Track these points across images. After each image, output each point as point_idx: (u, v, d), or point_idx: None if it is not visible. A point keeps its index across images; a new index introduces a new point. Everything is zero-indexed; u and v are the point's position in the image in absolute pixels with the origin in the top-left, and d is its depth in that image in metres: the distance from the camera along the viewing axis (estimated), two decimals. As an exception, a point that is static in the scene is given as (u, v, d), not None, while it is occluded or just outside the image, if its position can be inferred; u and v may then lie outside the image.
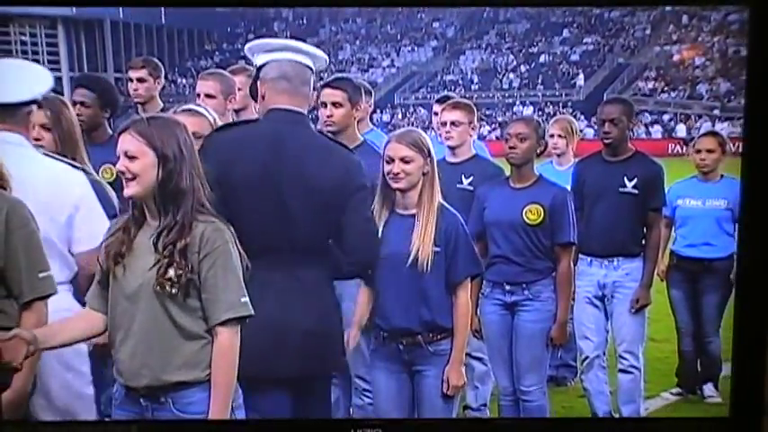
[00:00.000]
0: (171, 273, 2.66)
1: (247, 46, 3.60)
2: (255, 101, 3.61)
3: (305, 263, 3.23)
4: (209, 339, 2.73)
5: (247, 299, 2.76)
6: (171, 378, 2.71)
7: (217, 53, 41.44)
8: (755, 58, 3.33)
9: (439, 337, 3.49)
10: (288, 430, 3.38)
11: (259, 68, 3.45)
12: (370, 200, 3.43)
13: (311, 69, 3.47)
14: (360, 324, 3.60)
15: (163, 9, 42.45)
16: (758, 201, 3.44)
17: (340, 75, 4.77)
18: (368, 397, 3.70)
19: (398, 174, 3.42)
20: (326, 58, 3.61)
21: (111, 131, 4.36)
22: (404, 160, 3.41)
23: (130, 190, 2.71)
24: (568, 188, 4.53)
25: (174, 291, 2.67)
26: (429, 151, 3.46)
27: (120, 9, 41.17)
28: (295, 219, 3.20)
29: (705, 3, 10.51)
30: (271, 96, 3.39)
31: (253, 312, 2.79)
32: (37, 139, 3.66)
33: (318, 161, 3.26)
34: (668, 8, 34.60)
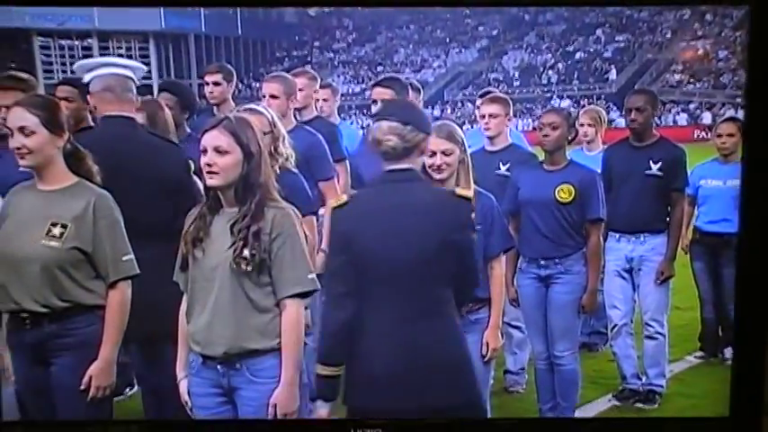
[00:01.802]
0: (245, 253, 2.68)
1: (74, 66, 3.76)
2: (92, 113, 3.78)
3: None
4: (278, 312, 2.75)
5: (314, 275, 2.77)
6: (246, 345, 2.73)
7: (286, 60, 41.57)
8: (755, 57, 3.20)
9: (477, 306, 3.49)
10: (288, 430, 3.38)
11: (87, 84, 3.61)
12: None
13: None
14: None
15: (239, 23, 42.86)
16: (758, 200, 3.33)
17: (389, 75, 4.77)
18: None
19: (441, 165, 3.39)
20: (143, 67, 3.82)
21: (188, 130, 4.39)
22: (445, 153, 3.39)
23: (214, 181, 2.73)
24: (597, 170, 4.48)
25: (248, 268, 2.69)
26: (463, 141, 3.45)
27: (203, 24, 41.63)
28: (137, 206, 3.24)
29: (705, 2, 10.21)
30: (101, 106, 3.57)
31: (318, 287, 2.80)
32: None
33: (148, 157, 3.40)
34: (687, 8, 33.99)
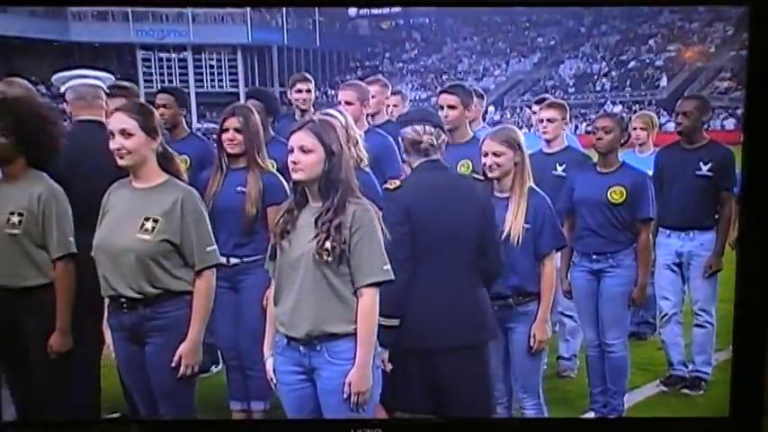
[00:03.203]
0: (327, 244, 2.70)
1: (53, 78, 3.87)
2: (70, 120, 3.85)
3: None
4: (356, 299, 2.76)
5: (389, 266, 2.78)
6: (326, 329, 2.74)
7: (359, 69, 41.75)
8: (756, 57, 3.06)
9: (527, 299, 3.45)
10: (288, 430, 3.37)
11: (63, 94, 3.75)
12: None
13: (102, 87, 3.79)
14: None
15: (318, 36, 43.20)
16: (757, 201, 3.19)
17: (455, 82, 4.74)
18: None
19: (491, 165, 3.41)
20: (111, 76, 3.97)
21: (272, 133, 4.43)
22: (495, 154, 3.39)
23: (298, 175, 2.75)
24: (648, 172, 4.38)
25: (329, 259, 2.70)
26: (519, 145, 3.41)
27: (285, 37, 42.08)
28: (94, 195, 3.24)
29: (705, 2, 9.81)
30: (75, 112, 3.71)
31: (393, 277, 2.82)
32: (231, 140, 3.78)
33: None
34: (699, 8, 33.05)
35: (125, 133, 2.99)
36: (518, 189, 3.42)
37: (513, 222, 3.38)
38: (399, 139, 3.37)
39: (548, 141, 4.55)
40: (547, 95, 5.71)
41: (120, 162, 3.03)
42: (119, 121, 3.00)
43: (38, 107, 3.38)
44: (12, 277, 3.25)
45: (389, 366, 3.11)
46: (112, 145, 3.00)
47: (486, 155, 3.41)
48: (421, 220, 3.12)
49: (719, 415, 3.44)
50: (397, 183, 3.27)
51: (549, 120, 4.50)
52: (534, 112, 5.04)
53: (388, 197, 3.27)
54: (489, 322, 3.26)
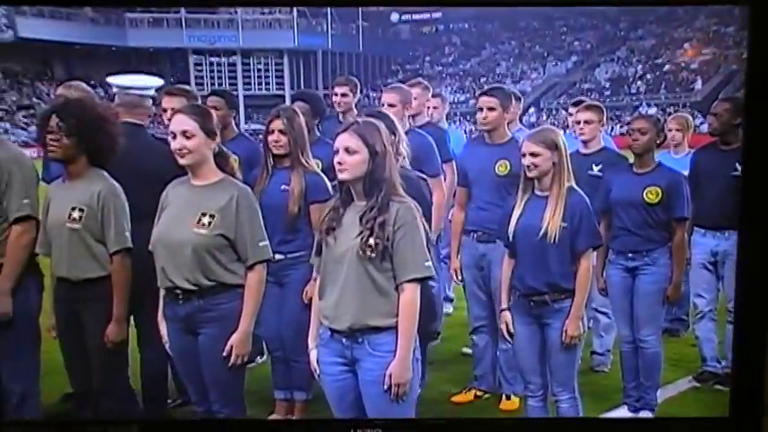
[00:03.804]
0: (371, 241, 2.69)
1: (108, 79, 4.00)
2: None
3: None
4: (397, 294, 2.75)
5: (430, 263, 2.77)
6: (368, 322, 2.74)
7: (400, 72, 41.77)
8: (755, 58, 2.96)
9: (562, 296, 3.41)
10: (289, 430, 3.36)
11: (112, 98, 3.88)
12: None
13: (148, 96, 3.90)
14: (505, 283, 3.58)
15: (361, 41, 43.28)
16: (757, 200, 3.09)
17: (494, 85, 4.72)
18: (509, 342, 3.66)
19: (529, 166, 3.38)
20: (161, 81, 4.07)
21: (318, 134, 4.44)
22: (533, 154, 3.36)
23: (343, 175, 2.75)
24: (684, 173, 4.31)
25: (372, 255, 2.70)
26: (556, 146, 3.37)
27: (329, 42, 42.26)
28: (135, 192, 3.38)
29: (705, 2, 9.56)
30: (120, 113, 3.70)
31: (434, 274, 2.81)
32: (276, 141, 3.80)
33: (148, 155, 3.58)
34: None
35: (186, 134, 3.03)
36: (556, 188, 3.38)
37: (551, 221, 3.35)
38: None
39: (584, 142, 4.49)
40: (583, 98, 5.63)
41: (182, 161, 3.07)
42: (180, 123, 3.05)
43: (97, 109, 3.43)
44: (72, 270, 3.31)
45: None
46: (174, 145, 3.05)
47: (524, 155, 3.39)
48: None
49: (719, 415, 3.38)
50: None
51: (585, 121, 4.44)
52: (570, 114, 4.98)
53: None
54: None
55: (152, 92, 3.96)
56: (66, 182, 3.36)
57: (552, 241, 3.34)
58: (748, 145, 3.10)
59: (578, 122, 4.49)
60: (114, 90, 3.91)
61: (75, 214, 3.27)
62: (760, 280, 3.12)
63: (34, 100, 36.71)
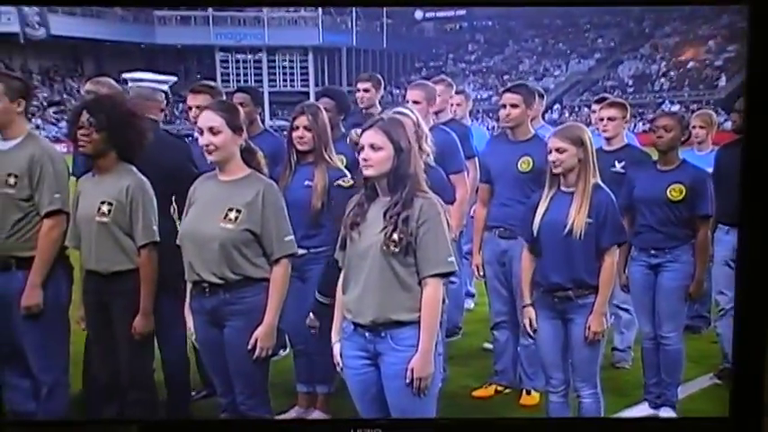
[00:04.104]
0: (395, 236, 2.70)
1: (123, 76, 4.08)
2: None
3: None
4: (420, 289, 2.75)
5: (453, 258, 2.77)
6: (391, 316, 2.74)
7: (423, 69, 41.68)
8: (755, 58, 2.93)
9: (587, 292, 3.39)
10: (289, 430, 3.36)
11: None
12: None
13: (162, 90, 3.92)
14: (526, 279, 3.56)
15: (385, 38, 43.25)
16: (757, 200, 3.05)
17: (518, 82, 4.69)
18: (532, 337, 3.64)
19: (555, 161, 3.36)
20: (173, 78, 4.10)
21: (343, 130, 4.43)
22: (558, 150, 3.34)
23: (368, 172, 2.76)
24: (708, 170, 4.25)
25: (396, 250, 2.70)
26: (582, 142, 3.35)
27: (354, 39, 42.27)
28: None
29: (705, 2, 9.42)
30: None
31: (456, 269, 2.80)
32: (300, 137, 3.81)
33: (159, 148, 3.57)
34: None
35: (213, 130, 3.04)
36: (582, 184, 3.36)
37: (576, 217, 3.33)
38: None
39: (607, 139, 4.44)
40: (606, 95, 5.58)
41: (209, 157, 3.08)
42: (207, 119, 3.06)
43: (126, 104, 3.47)
44: (101, 262, 3.34)
45: (314, 332, 3.53)
46: (201, 141, 3.07)
47: (550, 151, 3.38)
48: None
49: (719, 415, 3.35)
50: (351, 182, 3.52)
51: (609, 118, 4.39)
52: (594, 111, 4.94)
53: (339, 193, 3.49)
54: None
55: (165, 87, 3.97)
56: (96, 176, 3.39)
57: (578, 237, 3.32)
58: (749, 145, 3.08)
59: (602, 119, 4.45)
60: (129, 84, 3.94)
61: (105, 208, 3.30)
62: (760, 280, 3.09)
63: (65, 96, 37.12)
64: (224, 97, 4.03)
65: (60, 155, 3.51)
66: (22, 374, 3.56)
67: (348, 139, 3.48)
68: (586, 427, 3.65)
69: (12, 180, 3.41)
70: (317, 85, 39.63)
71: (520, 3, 7.29)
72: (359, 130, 3.22)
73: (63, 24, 36.96)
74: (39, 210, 3.44)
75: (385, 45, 43.46)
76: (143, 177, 3.40)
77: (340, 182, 3.60)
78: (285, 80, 42.03)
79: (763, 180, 3.06)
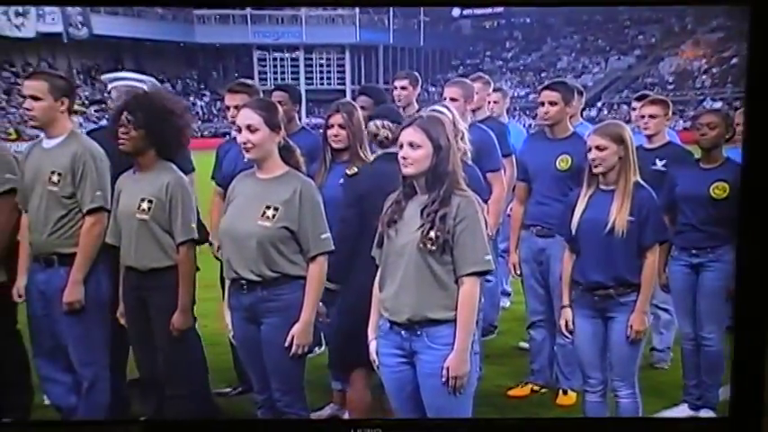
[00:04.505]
0: (432, 234, 2.69)
1: (102, 77, 4.15)
2: None
3: None
4: (457, 287, 2.73)
5: (490, 257, 2.75)
6: (427, 314, 2.73)
7: (460, 67, 41.52)
8: (755, 58, 2.89)
9: (628, 290, 3.35)
10: (289, 430, 3.34)
11: (109, 92, 3.95)
12: None
13: (142, 89, 3.80)
14: (566, 279, 3.52)
15: (422, 36, 43.17)
16: (757, 202, 2.99)
17: (557, 79, 4.65)
18: (568, 338, 3.60)
19: (595, 159, 3.32)
20: (153, 80, 4.11)
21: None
22: (598, 148, 3.30)
23: (408, 170, 2.75)
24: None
25: (433, 248, 2.69)
26: (623, 139, 3.31)
27: (391, 37, 42.27)
28: None
29: (705, 3, 9.21)
30: None
31: (494, 268, 2.78)
32: (335, 135, 3.81)
33: None
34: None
35: (251, 128, 3.06)
36: (623, 182, 3.32)
37: (618, 215, 3.29)
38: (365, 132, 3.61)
39: (648, 137, 4.38)
40: (647, 92, 5.50)
41: (247, 155, 3.10)
42: (245, 117, 3.08)
43: (165, 102, 3.49)
44: (140, 259, 3.38)
45: (327, 320, 3.47)
46: (239, 139, 3.09)
47: (590, 149, 3.34)
48: (371, 203, 3.17)
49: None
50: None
51: (650, 116, 4.33)
52: (634, 109, 4.87)
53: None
54: None
55: (144, 86, 3.96)
56: (137, 174, 3.43)
57: (619, 235, 3.28)
58: (749, 145, 3.04)
59: (643, 117, 4.39)
60: (109, 86, 3.99)
61: (145, 205, 3.34)
62: (760, 280, 3.06)
63: (105, 95, 37.69)
64: (261, 96, 4.04)
65: (102, 152, 3.55)
66: (64, 369, 3.62)
67: (367, 131, 3.59)
68: (586, 427, 3.66)
69: (55, 177, 3.46)
70: (353, 83, 39.75)
71: (524, 3, 7.20)
72: (378, 122, 3.48)
73: (105, 24, 37.62)
74: (81, 207, 3.49)
75: (422, 43, 43.39)
76: (182, 175, 3.44)
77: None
78: (322, 78, 42.23)
79: (764, 180, 3.00)
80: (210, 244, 3.92)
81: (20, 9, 34.19)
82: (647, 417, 3.80)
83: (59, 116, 3.52)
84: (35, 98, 3.46)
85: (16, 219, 3.66)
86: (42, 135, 3.58)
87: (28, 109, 3.49)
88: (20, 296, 3.61)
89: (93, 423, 3.67)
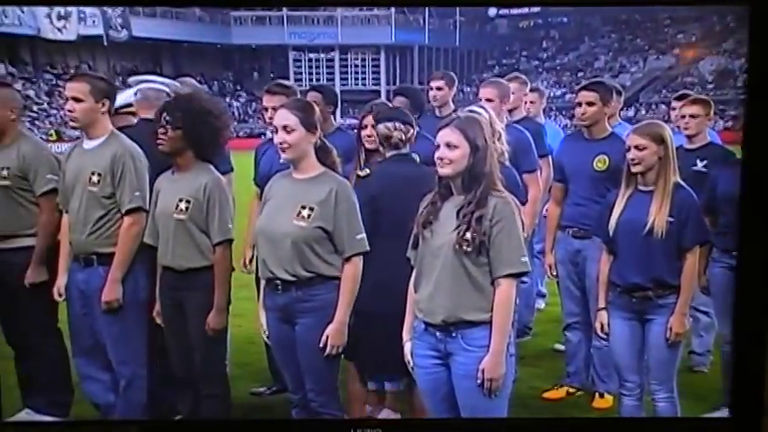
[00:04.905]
0: (468, 235, 2.67)
1: (129, 80, 4.17)
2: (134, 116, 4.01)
3: None
4: (493, 289, 2.71)
5: (527, 258, 2.73)
6: (462, 316, 2.72)
7: (496, 67, 41.32)
8: (755, 58, 2.82)
9: (666, 292, 3.30)
10: (289, 430, 3.32)
11: (135, 94, 3.98)
12: None
13: (166, 92, 3.93)
14: (603, 281, 3.48)
15: (458, 36, 43.05)
16: (758, 202, 2.92)
17: (594, 79, 4.60)
18: (605, 340, 3.55)
19: (634, 159, 3.28)
20: (176, 84, 4.10)
21: (417, 128, 4.38)
22: (638, 148, 3.26)
23: (445, 170, 2.74)
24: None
25: (468, 249, 2.67)
26: (663, 139, 3.26)
27: (426, 37, 42.23)
28: None
29: (705, 3, 9.00)
30: (140, 111, 3.94)
31: (530, 269, 2.76)
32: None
33: None
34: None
35: (287, 129, 3.08)
36: (662, 183, 3.28)
37: (657, 215, 3.24)
38: (376, 134, 3.61)
39: (689, 137, 4.31)
40: (687, 92, 5.41)
41: (283, 156, 3.12)
42: (282, 118, 3.10)
43: (202, 103, 3.52)
44: (177, 259, 3.40)
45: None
46: (276, 139, 3.11)
47: (629, 149, 3.30)
48: (384, 203, 3.34)
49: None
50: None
51: (691, 115, 4.26)
52: (674, 109, 4.79)
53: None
54: None
55: (167, 89, 4.01)
56: (175, 174, 3.47)
57: (658, 236, 3.23)
58: (749, 145, 2.99)
59: (683, 117, 4.32)
60: (135, 88, 4.01)
61: (182, 205, 3.37)
62: (760, 280, 3.02)
63: (133, 97, 38.21)
64: (298, 96, 4.05)
65: (141, 153, 3.59)
66: (103, 368, 3.66)
67: (377, 134, 3.60)
68: (586, 426, 3.68)
69: (95, 178, 3.50)
70: (388, 83, 39.79)
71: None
72: (389, 125, 3.51)
73: (144, 26, 38.22)
74: (120, 207, 3.53)
75: (457, 43, 43.29)
76: (220, 176, 3.46)
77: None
78: (357, 79, 42.34)
79: (764, 181, 2.95)
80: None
81: (62, 12, 34.88)
82: (646, 417, 3.79)
83: (100, 117, 3.56)
84: (77, 100, 3.51)
85: (57, 219, 3.72)
86: (83, 136, 3.63)
87: (70, 110, 3.54)
88: (60, 295, 3.66)
89: (94, 423, 3.79)
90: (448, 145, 2.72)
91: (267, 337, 3.29)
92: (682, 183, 3.33)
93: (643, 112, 34.81)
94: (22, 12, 33.82)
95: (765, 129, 2.94)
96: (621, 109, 5.29)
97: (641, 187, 3.34)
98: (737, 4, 2.95)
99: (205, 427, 3.64)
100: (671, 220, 3.24)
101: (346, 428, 3.19)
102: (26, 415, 3.94)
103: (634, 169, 3.30)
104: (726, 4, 7.73)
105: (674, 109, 4.82)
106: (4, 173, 3.74)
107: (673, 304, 3.31)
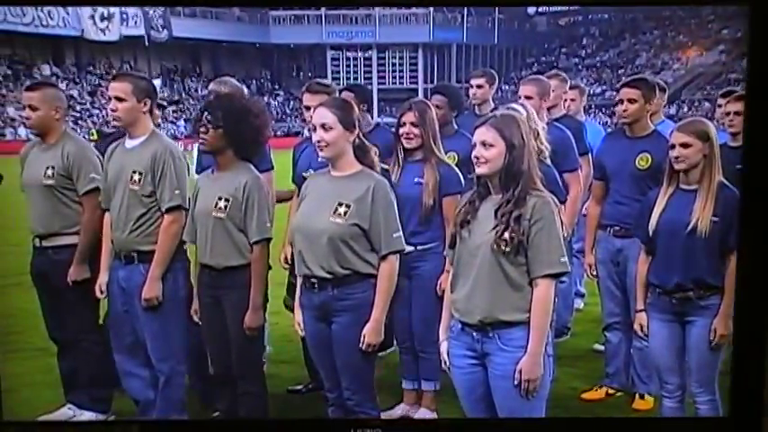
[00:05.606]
0: (506, 235, 2.64)
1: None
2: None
3: None
4: (531, 289, 2.69)
5: (566, 259, 2.70)
6: (500, 316, 2.69)
7: (535, 65, 40.99)
8: (755, 58, 2.77)
9: (708, 293, 3.23)
10: (289, 430, 3.28)
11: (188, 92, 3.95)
12: None
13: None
14: (642, 282, 3.42)
15: (496, 33, 42.78)
16: (758, 202, 2.87)
17: (636, 76, 4.52)
18: (645, 341, 3.50)
19: (678, 157, 3.21)
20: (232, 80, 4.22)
21: (456, 127, 4.38)
22: (682, 145, 3.20)
23: (481, 169, 2.72)
24: None
25: (506, 249, 2.65)
26: (708, 137, 3.19)
27: (464, 35, 42.06)
28: None
29: (705, 3, 8.79)
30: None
31: (569, 270, 2.73)
32: (407, 134, 3.81)
33: None
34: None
35: (325, 127, 3.09)
36: (707, 182, 3.21)
37: (701, 215, 3.18)
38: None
39: (734, 135, 4.20)
40: (733, 88, 5.29)
41: (321, 154, 3.13)
42: (320, 116, 3.11)
43: (243, 102, 3.55)
44: (215, 257, 3.43)
45: None
46: (314, 137, 3.13)
47: (673, 146, 3.24)
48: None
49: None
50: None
51: (736, 113, 4.15)
52: (720, 105, 4.69)
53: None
54: None
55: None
56: (215, 173, 3.50)
57: (702, 236, 3.17)
58: (749, 145, 2.93)
59: (728, 114, 4.22)
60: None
61: (221, 204, 3.39)
62: (760, 280, 2.97)
63: (183, 96, 38.79)
64: (337, 95, 4.06)
65: (181, 152, 3.64)
66: (142, 364, 3.71)
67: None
68: (586, 426, 3.66)
69: (136, 177, 3.55)
70: (426, 82, 39.75)
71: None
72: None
73: (184, 26, 38.75)
74: (160, 205, 3.58)
75: (496, 41, 43.05)
76: (259, 175, 3.48)
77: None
78: (394, 77, 42.35)
79: (764, 181, 2.90)
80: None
81: (105, 13, 35.53)
82: (647, 417, 3.74)
83: (142, 116, 3.61)
84: (119, 99, 3.56)
85: (99, 217, 3.78)
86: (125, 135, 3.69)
87: (113, 109, 3.60)
88: (102, 292, 3.72)
89: (94, 423, 3.87)
90: (483, 144, 2.70)
91: (303, 336, 3.30)
92: (726, 182, 3.25)
93: (685, 109, 34.21)
94: (67, 13, 34.54)
95: (766, 129, 2.90)
96: (664, 105, 5.19)
97: (684, 186, 3.27)
98: (737, 4, 2.90)
99: (206, 427, 3.69)
100: (715, 219, 3.17)
101: (346, 428, 3.18)
102: (68, 410, 4.00)
103: (678, 167, 3.24)
104: (726, 4, 7.62)
105: (719, 106, 4.72)
106: (50, 172, 3.81)
107: (714, 305, 3.24)
